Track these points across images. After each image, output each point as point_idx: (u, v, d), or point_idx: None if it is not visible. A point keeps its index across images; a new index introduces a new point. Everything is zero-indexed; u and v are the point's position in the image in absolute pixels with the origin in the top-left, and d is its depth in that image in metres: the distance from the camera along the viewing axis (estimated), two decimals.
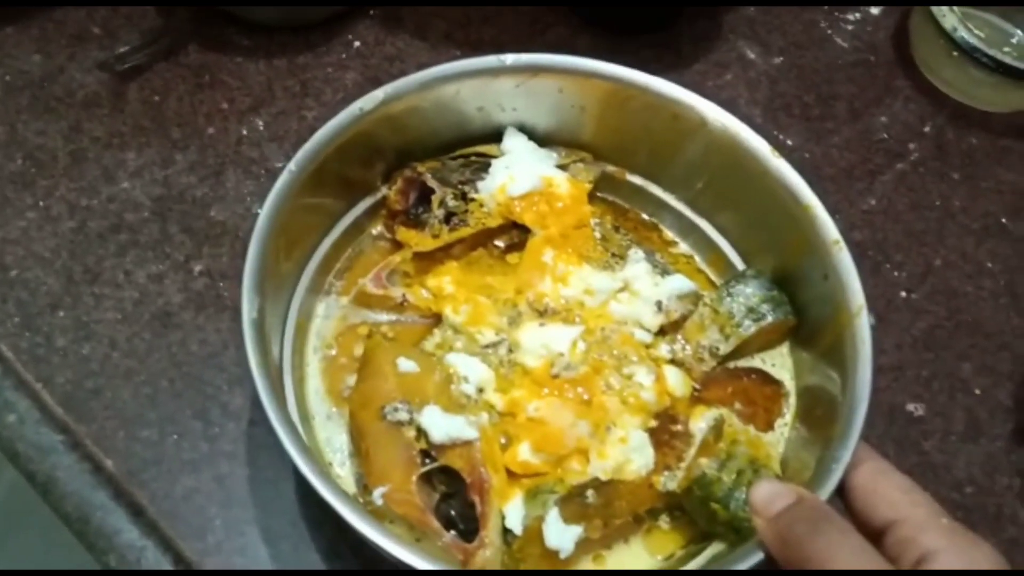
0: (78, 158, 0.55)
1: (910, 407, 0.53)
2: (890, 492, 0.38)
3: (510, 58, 0.47)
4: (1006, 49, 0.61)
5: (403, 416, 0.42)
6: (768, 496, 0.36)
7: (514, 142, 0.50)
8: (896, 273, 0.58)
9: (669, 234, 0.53)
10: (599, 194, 0.53)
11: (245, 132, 0.57)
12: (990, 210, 0.61)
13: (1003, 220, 0.60)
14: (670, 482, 0.43)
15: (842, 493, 0.39)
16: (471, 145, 0.50)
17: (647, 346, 0.46)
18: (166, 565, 0.43)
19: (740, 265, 0.51)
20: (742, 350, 0.47)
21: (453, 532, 0.40)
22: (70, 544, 0.46)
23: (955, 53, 0.62)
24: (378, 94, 0.45)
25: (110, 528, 0.44)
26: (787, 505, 0.36)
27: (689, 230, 0.52)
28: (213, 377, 0.48)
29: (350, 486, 0.43)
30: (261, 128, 0.57)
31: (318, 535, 0.45)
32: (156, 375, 0.48)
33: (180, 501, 0.45)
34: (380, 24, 0.62)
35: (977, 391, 0.54)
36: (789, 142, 0.62)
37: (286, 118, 0.58)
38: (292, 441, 0.36)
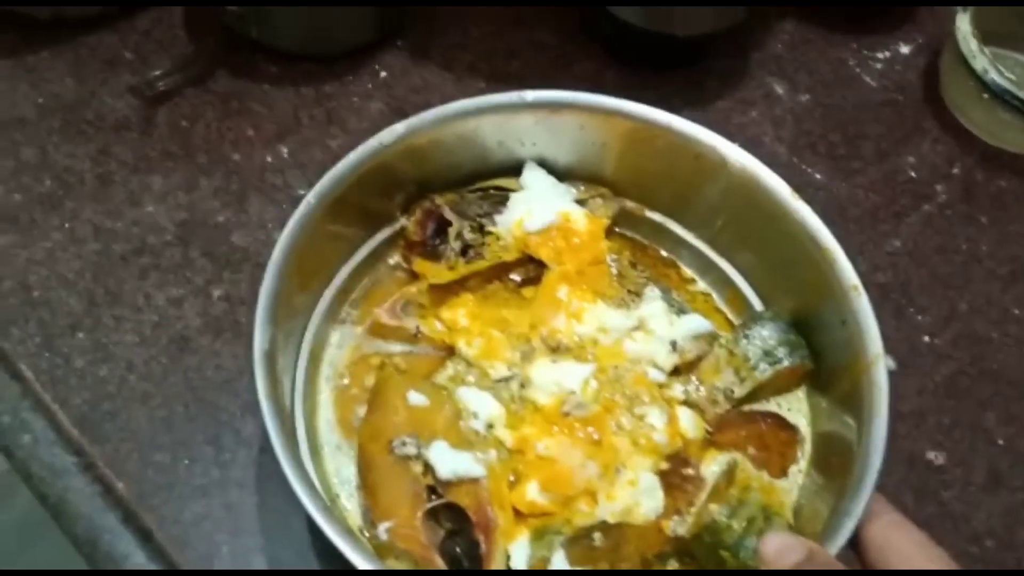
0: (105, 181, 0.56)
1: (930, 455, 0.52)
2: (905, 547, 0.37)
3: (531, 95, 0.47)
4: None
5: (411, 450, 0.42)
6: (778, 549, 0.36)
7: (533, 176, 0.50)
8: (920, 317, 0.57)
9: (688, 272, 0.52)
10: (618, 230, 0.52)
11: (270, 159, 0.58)
12: (1017, 255, 0.60)
13: None
14: (679, 527, 0.42)
15: (856, 545, 0.38)
16: (490, 178, 0.51)
17: (660, 386, 0.46)
18: None
19: (758, 305, 0.50)
20: (757, 393, 0.46)
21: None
22: (80, 567, 0.47)
23: (985, 95, 0.61)
24: (398, 128, 0.46)
25: (118, 553, 0.44)
26: (797, 560, 0.35)
27: (708, 268, 0.52)
28: (227, 403, 0.49)
29: (356, 519, 0.43)
30: (286, 155, 0.58)
31: (324, 566, 0.45)
32: (171, 399, 0.49)
33: (189, 527, 0.45)
34: (407, 55, 0.63)
35: (1000, 441, 0.53)
36: (821, 180, 0.61)
37: (311, 146, 0.59)
38: (297, 477, 0.36)
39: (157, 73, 0.59)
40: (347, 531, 0.36)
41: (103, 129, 0.58)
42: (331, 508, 0.38)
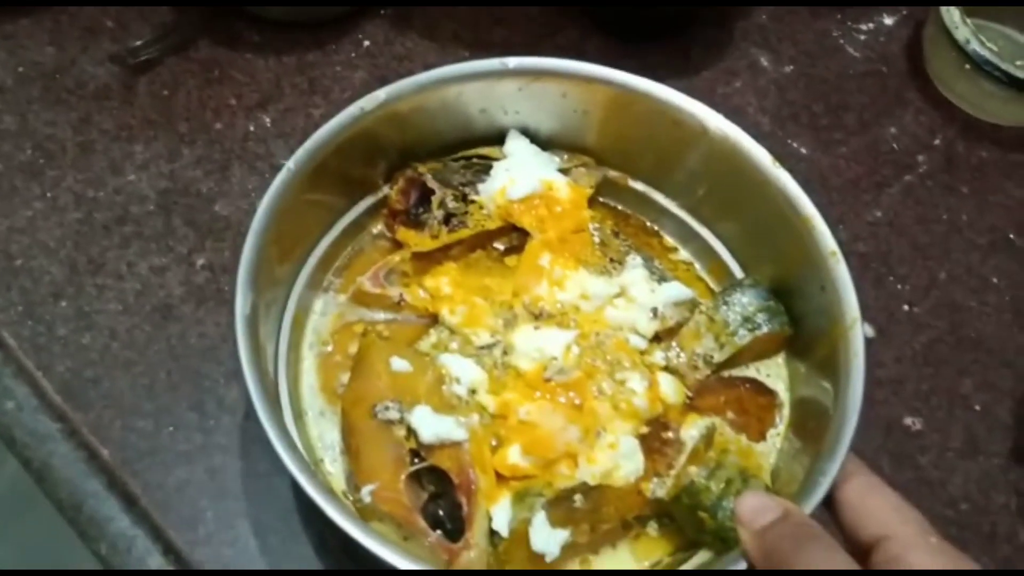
0: (86, 149, 0.55)
1: (908, 421, 0.52)
2: (879, 508, 0.38)
3: (513, 61, 0.47)
4: (1019, 63, 0.60)
5: (394, 415, 0.42)
6: (754, 508, 0.36)
7: (516, 145, 0.50)
8: (899, 286, 0.57)
9: (670, 240, 0.53)
10: (601, 199, 0.53)
11: (252, 128, 0.58)
12: (997, 225, 0.60)
13: (1010, 236, 0.60)
14: (659, 489, 0.43)
15: (831, 506, 0.39)
16: (473, 147, 0.51)
17: (641, 352, 0.46)
18: (156, 554, 0.44)
19: (739, 274, 0.50)
20: (737, 359, 0.47)
21: (439, 532, 0.41)
22: (68, 535, 0.47)
23: (967, 66, 0.61)
24: (379, 94, 0.46)
25: (102, 516, 0.44)
26: (773, 519, 0.35)
27: (690, 237, 0.52)
28: (210, 370, 0.49)
29: (340, 483, 0.43)
30: (268, 124, 0.58)
31: (308, 530, 0.45)
32: (154, 366, 0.49)
33: (173, 492, 0.45)
34: (390, 24, 0.63)
35: (977, 407, 0.53)
36: (803, 150, 0.61)
37: (293, 115, 0.58)
38: (281, 440, 0.37)
39: (139, 43, 0.58)
40: (330, 493, 0.37)
41: (84, 97, 0.57)
42: (315, 472, 0.39)
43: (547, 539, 0.41)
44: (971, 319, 0.56)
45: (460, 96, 0.48)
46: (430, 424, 0.41)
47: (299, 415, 0.45)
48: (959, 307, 0.57)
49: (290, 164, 0.43)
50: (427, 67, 0.47)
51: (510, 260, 0.50)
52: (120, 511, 0.45)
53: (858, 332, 0.42)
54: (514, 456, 0.42)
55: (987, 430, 0.53)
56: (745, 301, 0.46)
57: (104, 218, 0.53)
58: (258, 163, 0.56)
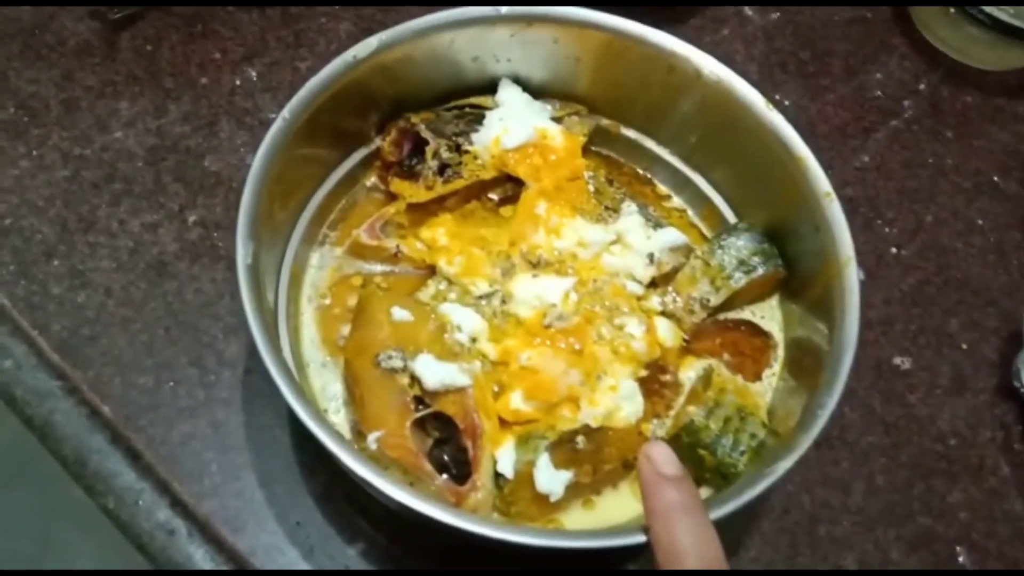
0: (71, 107, 0.54)
1: (897, 360, 0.53)
2: None
3: (505, 8, 0.47)
4: (1002, 6, 0.61)
5: (397, 363, 0.42)
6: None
7: (509, 94, 0.50)
8: (887, 229, 0.58)
9: (663, 188, 0.53)
10: (593, 148, 0.53)
11: (238, 82, 0.57)
12: (982, 168, 0.61)
13: (995, 179, 0.61)
14: (659, 430, 0.44)
15: None
16: (465, 96, 0.50)
17: (639, 298, 0.47)
18: (163, 507, 0.44)
19: (732, 219, 0.51)
20: (732, 302, 0.47)
21: (446, 476, 0.41)
22: (73, 493, 0.47)
23: (952, 10, 0.62)
24: (372, 41, 0.45)
25: (108, 471, 0.45)
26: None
27: (683, 185, 0.52)
28: (209, 326, 0.49)
29: (344, 433, 0.43)
30: (254, 78, 0.57)
31: (312, 480, 0.45)
32: (152, 323, 0.49)
33: (177, 446, 0.45)
34: None
35: (964, 346, 0.54)
36: (786, 102, 0.62)
37: (280, 69, 0.58)
38: (287, 384, 0.37)
39: None
40: (337, 435, 0.37)
41: (65, 54, 0.56)
42: (323, 417, 0.39)
43: (551, 480, 0.41)
44: (957, 260, 0.57)
45: (452, 44, 0.48)
46: (434, 371, 0.42)
47: (301, 367, 0.45)
48: (945, 249, 0.58)
49: (285, 113, 0.43)
50: (414, 18, 0.47)
51: (505, 211, 0.50)
52: (125, 466, 0.45)
53: (852, 270, 0.42)
54: (516, 401, 0.43)
55: (973, 368, 0.54)
56: (740, 244, 0.47)
57: (93, 176, 0.53)
58: (246, 118, 0.56)
